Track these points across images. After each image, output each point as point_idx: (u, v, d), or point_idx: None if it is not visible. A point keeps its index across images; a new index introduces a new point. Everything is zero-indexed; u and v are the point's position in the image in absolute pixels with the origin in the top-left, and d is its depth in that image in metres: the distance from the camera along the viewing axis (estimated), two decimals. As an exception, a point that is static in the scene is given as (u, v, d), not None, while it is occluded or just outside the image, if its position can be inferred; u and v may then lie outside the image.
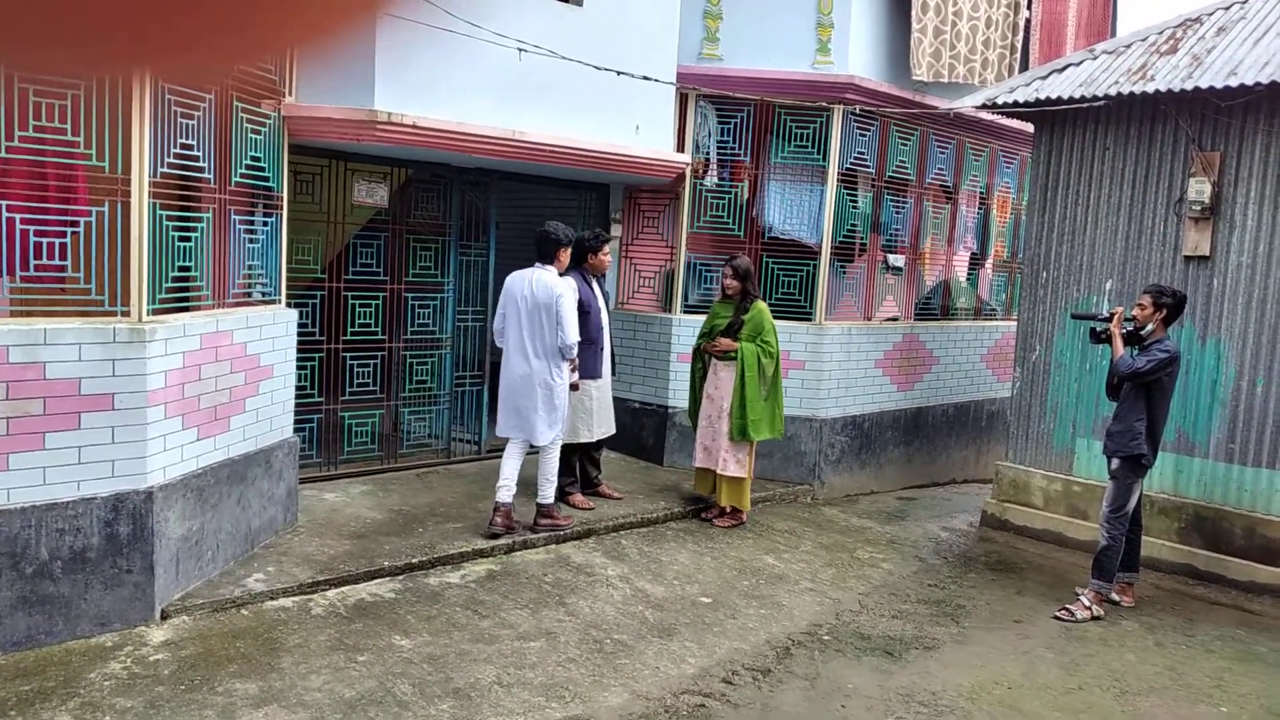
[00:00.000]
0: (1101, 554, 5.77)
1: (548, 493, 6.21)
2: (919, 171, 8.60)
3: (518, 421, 6.10)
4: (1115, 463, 5.75)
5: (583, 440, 6.75)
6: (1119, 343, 5.72)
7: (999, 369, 9.62)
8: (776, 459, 7.85)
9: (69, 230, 4.27)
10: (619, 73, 6.47)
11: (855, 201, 8.11)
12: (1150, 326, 5.67)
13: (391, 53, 5.67)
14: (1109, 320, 5.84)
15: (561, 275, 6.15)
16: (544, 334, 5.98)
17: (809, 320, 7.98)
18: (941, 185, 8.97)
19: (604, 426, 6.88)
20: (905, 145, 8.39)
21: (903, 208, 8.57)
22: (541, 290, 5.96)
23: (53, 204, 4.23)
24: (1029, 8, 8.74)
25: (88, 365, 4.30)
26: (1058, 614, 5.70)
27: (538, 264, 6.07)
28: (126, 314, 4.45)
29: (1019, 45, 8.61)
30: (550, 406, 6.04)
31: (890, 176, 8.34)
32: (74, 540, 4.35)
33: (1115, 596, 5.89)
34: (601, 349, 6.70)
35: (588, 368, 6.53)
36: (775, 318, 7.10)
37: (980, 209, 9.56)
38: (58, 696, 3.96)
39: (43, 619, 4.30)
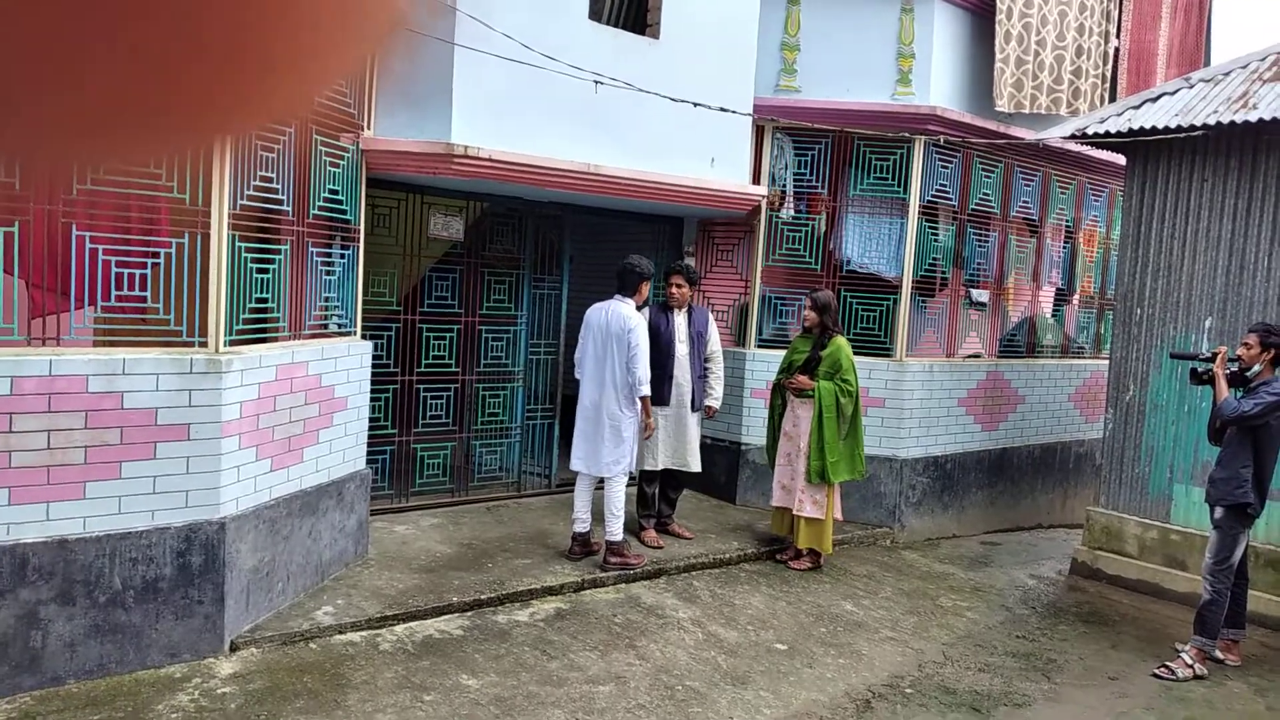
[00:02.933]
0: (1204, 608, 5.41)
1: (615, 529, 6.08)
2: (1003, 204, 8.34)
3: (585, 451, 6.03)
4: (1219, 511, 5.41)
5: (647, 467, 6.60)
6: (1223, 384, 5.39)
7: (1087, 409, 9.22)
8: (855, 500, 7.59)
9: (150, 261, 4.32)
10: (695, 104, 6.39)
11: (937, 234, 7.88)
12: (1257, 367, 5.33)
13: (468, 87, 5.68)
14: (1211, 360, 5.51)
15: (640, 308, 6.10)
16: (615, 366, 5.93)
17: (889, 356, 7.75)
18: (1026, 218, 8.68)
19: (674, 458, 6.70)
20: (989, 177, 8.15)
21: (986, 241, 8.30)
22: (616, 321, 5.93)
23: (135, 235, 4.29)
24: (1118, 37, 8.45)
25: (164, 395, 4.32)
26: (1157, 671, 5.34)
27: (617, 296, 6.03)
28: (204, 344, 4.48)
29: (1109, 75, 8.33)
30: (616, 439, 5.96)
31: (973, 209, 8.10)
32: (147, 570, 4.36)
33: (1219, 654, 5.51)
34: (669, 376, 6.57)
35: (654, 394, 6.40)
36: (854, 353, 6.89)
37: (1067, 243, 9.23)
38: (126, 728, 3.94)
39: (114, 648, 4.31)
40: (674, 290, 6.62)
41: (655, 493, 6.80)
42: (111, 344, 4.32)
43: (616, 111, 6.29)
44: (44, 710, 4.02)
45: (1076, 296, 9.55)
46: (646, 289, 6.13)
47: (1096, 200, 9.24)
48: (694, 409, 6.76)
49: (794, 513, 6.69)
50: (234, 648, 4.66)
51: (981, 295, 8.40)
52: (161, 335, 4.41)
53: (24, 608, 4.06)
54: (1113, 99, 8.26)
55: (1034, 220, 8.75)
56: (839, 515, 6.85)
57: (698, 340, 6.74)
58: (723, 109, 6.51)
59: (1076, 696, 5.04)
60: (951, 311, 8.17)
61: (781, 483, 6.82)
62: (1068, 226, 9.15)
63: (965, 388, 8.18)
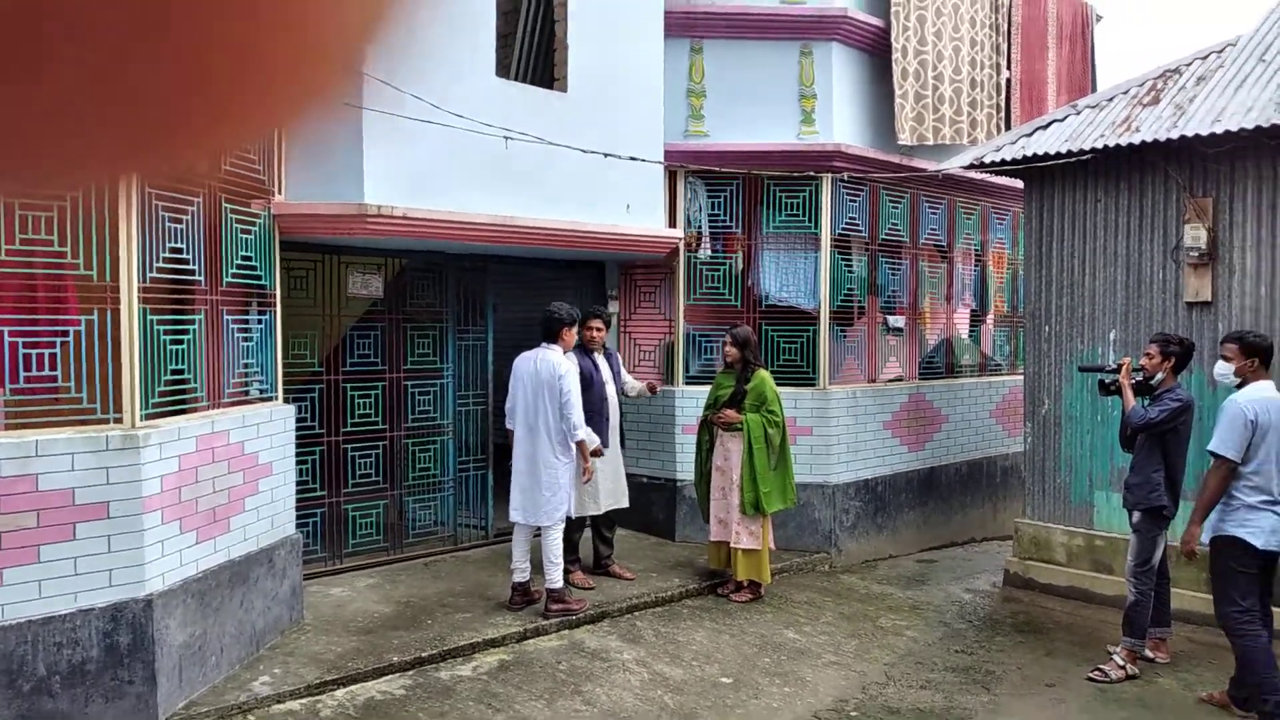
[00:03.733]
0: (1131, 609, 5.60)
1: (554, 576, 6.09)
2: (912, 233, 8.63)
3: (522, 502, 6.06)
4: (1136, 515, 5.62)
5: (590, 513, 6.65)
6: (1129, 394, 5.64)
7: (1009, 423, 9.51)
8: (791, 528, 7.70)
9: (59, 340, 4.26)
10: (605, 155, 6.53)
11: (850, 266, 8.12)
12: (1160, 375, 5.59)
13: (379, 147, 5.73)
14: (1117, 371, 5.77)
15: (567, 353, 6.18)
16: (547, 413, 5.98)
17: (813, 385, 7.92)
18: (936, 245, 9.00)
19: (612, 499, 6.78)
20: (896, 208, 8.44)
21: (898, 269, 8.57)
22: (545, 369, 6.00)
23: (42, 315, 4.24)
24: (1008, 68, 8.86)
25: (81, 474, 4.24)
26: (1091, 675, 5.50)
27: (544, 344, 6.09)
28: (119, 420, 4.41)
29: (1003, 105, 8.72)
30: (554, 487, 5.98)
31: (884, 239, 8.37)
32: (72, 654, 4.24)
33: (1149, 653, 5.70)
34: (606, 419, 6.65)
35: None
36: (779, 384, 7.03)
37: (976, 266, 9.57)
38: (55, 822, 3.81)
39: (40, 739, 4.17)
40: (595, 334, 6.72)
41: (580, 538, 6.83)
42: (23, 426, 4.24)
43: (529, 164, 6.40)
44: (-34, 811, 3.87)
45: (990, 316, 9.88)
46: (571, 335, 6.20)
47: (1001, 223, 9.61)
48: (622, 446, 6.88)
49: (731, 545, 6.77)
50: (167, 728, 4.55)
51: (898, 321, 8.65)
52: (75, 414, 4.34)
53: (-60, 705, 3.92)
54: (1008, 127, 8.63)
55: (943, 246, 9.07)
56: (772, 545, 6.95)
57: (617, 378, 6.91)
58: (632, 158, 6.67)
59: (1015, 707, 5.17)
60: (870, 338, 8.39)
61: (718, 517, 6.90)
62: (976, 250, 9.50)
63: (889, 411, 8.39)
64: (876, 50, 7.93)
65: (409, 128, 5.68)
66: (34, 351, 4.21)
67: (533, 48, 7.78)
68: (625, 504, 6.95)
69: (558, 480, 6.00)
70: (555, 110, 6.63)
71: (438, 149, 5.95)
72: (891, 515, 8.41)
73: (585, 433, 6.07)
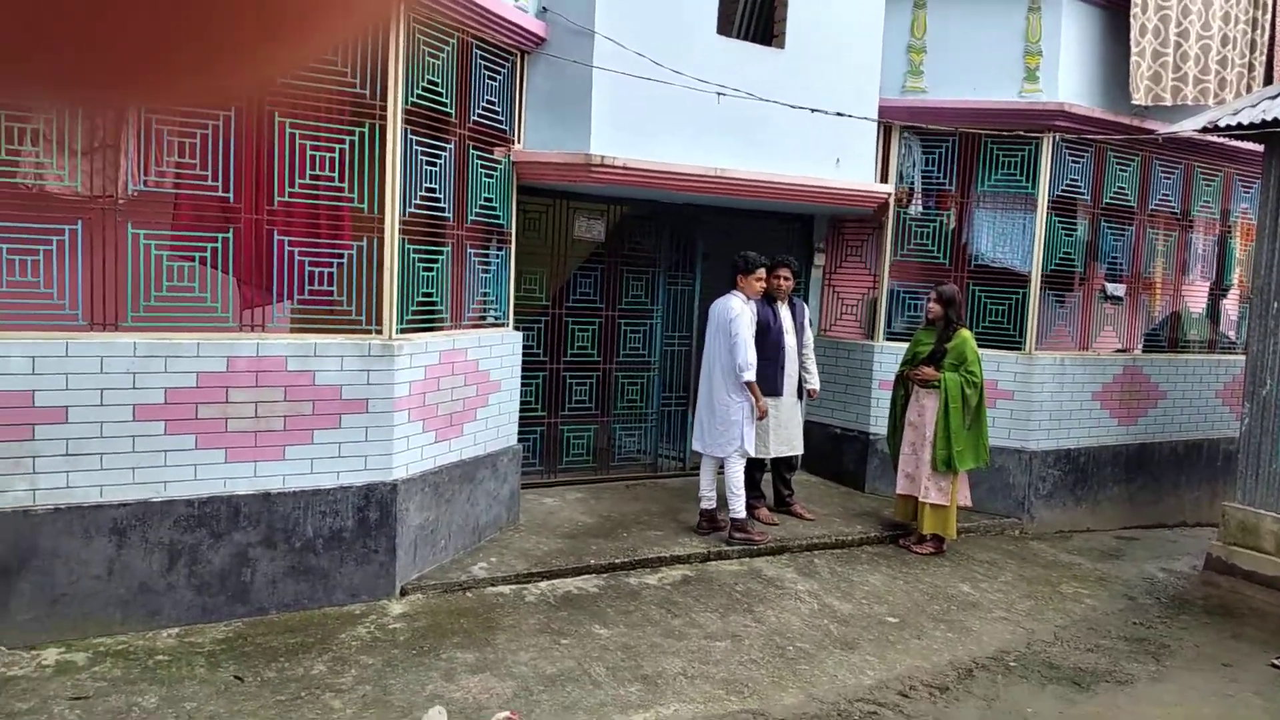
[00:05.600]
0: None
1: (737, 506, 6.56)
2: (1141, 198, 8.29)
3: (701, 433, 6.61)
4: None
5: (759, 455, 6.99)
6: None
7: (1238, 405, 8.98)
8: (983, 490, 7.75)
9: (335, 261, 5.13)
10: (811, 110, 6.78)
11: (1069, 229, 7.94)
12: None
13: (605, 103, 6.28)
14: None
15: (749, 300, 6.56)
16: (720, 354, 6.46)
17: (1019, 350, 7.87)
18: (1169, 211, 8.58)
19: (784, 445, 7.11)
20: (1125, 171, 8.13)
21: (1123, 235, 8.28)
22: (721, 314, 6.49)
23: (324, 239, 5.10)
24: (1272, 26, 8.24)
25: (348, 374, 5.12)
26: (1275, 661, 5.37)
27: (731, 290, 6.53)
28: (379, 332, 5.26)
29: (1260, 63, 8.14)
30: (724, 422, 6.46)
31: (1108, 203, 8.10)
32: (333, 522, 5.17)
33: (1349, 650, 5.47)
34: (781, 368, 6.97)
35: (765, 385, 6.82)
36: (982, 346, 7.09)
37: (1215, 237, 9.03)
38: (316, 650, 4.73)
39: (307, 586, 5.13)
40: (782, 282, 7.02)
41: (763, 477, 7.21)
42: (305, 331, 5.15)
43: (741, 118, 6.76)
44: (253, 633, 4.88)
45: (1233, 291, 9.31)
46: (749, 281, 6.53)
47: (1248, 192, 8.99)
48: (799, 397, 7.20)
49: (919, 499, 6.96)
50: (403, 592, 5.43)
51: (1118, 289, 8.37)
52: (345, 323, 5.22)
53: (237, 548, 4.93)
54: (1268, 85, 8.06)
55: (1177, 214, 8.63)
56: (968, 502, 7.07)
57: (801, 331, 7.17)
58: (839, 114, 6.87)
59: (1183, 678, 5.16)
60: (1085, 305, 8.19)
61: (906, 471, 7.10)
62: (1217, 220, 8.96)
63: (1100, 381, 8.19)
64: (1110, 4, 7.63)
65: (632, 83, 6.20)
66: (317, 269, 5.10)
67: (758, 4, 8.07)
68: (800, 451, 7.27)
69: (729, 416, 6.46)
70: (771, 65, 6.94)
71: (658, 103, 6.43)
72: (1093, 488, 8.25)
73: (751, 374, 6.42)
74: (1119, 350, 8.45)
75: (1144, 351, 8.58)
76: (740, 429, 6.49)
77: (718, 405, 6.49)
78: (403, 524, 5.37)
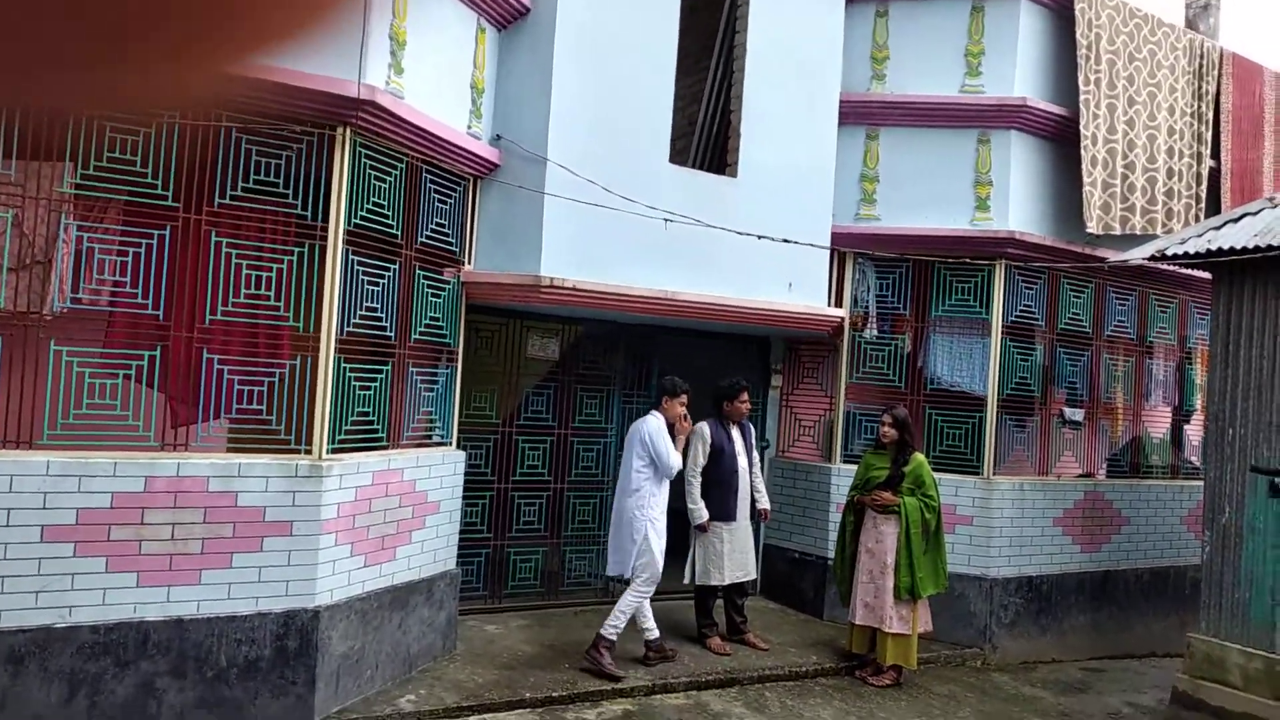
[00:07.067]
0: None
1: (613, 625, 6.26)
2: (1096, 324, 8.35)
3: (613, 555, 6.48)
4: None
5: (713, 583, 6.84)
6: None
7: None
8: (945, 618, 7.53)
9: (266, 380, 5.05)
10: (759, 237, 6.86)
11: (1025, 354, 7.96)
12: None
13: (557, 227, 6.34)
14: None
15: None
16: (629, 470, 6.36)
17: (977, 474, 7.78)
18: (1126, 337, 8.64)
19: (739, 570, 6.95)
20: (1079, 298, 8.21)
21: (1080, 360, 8.30)
22: (635, 430, 6.46)
23: (256, 357, 5.04)
24: (1214, 158, 8.47)
25: (272, 495, 4.99)
26: (1238, 810, 5.11)
27: (651, 411, 6.59)
28: (309, 452, 5.15)
29: (1203, 195, 8.33)
30: (629, 539, 6.29)
31: (1063, 329, 8.15)
32: (249, 650, 4.94)
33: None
34: (734, 491, 6.88)
35: (720, 510, 6.75)
36: (939, 470, 7.01)
37: (1174, 362, 9.07)
38: (218, 791, 4.46)
39: (217, 719, 4.88)
40: (743, 406, 7.00)
41: (714, 604, 7.03)
42: (232, 450, 5.04)
43: (693, 242, 6.82)
44: (154, 771, 4.60)
45: (1194, 416, 9.29)
46: (677, 405, 6.46)
47: (1202, 318, 9.08)
48: (751, 518, 7.10)
49: (883, 630, 6.72)
50: (321, 727, 5.16)
51: (1076, 414, 8.34)
52: (274, 443, 5.11)
53: (144, 678, 4.70)
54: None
55: (1134, 339, 8.69)
56: (929, 627, 6.85)
57: (750, 451, 7.13)
58: (785, 240, 6.95)
59: (1142, 829, 4.90)
60: (1044, 430, 8.15)
61: (864, 600, 6.87)
62: (1173, 345, 9.02)
63: (1061, 507, 8.08)
64: (1057, 137, 7.84)
65: (583, 208, 6.27)
66: (247, 388, 5.02)
67: (713, 135, 8.27)
68: (754, 575, 7.13)
69: (631, 535, 6.26)
70: (723, 194, 7.05)
71: (609, 227, 6.50)
72: (1057, 617, 8.04)
73: (677, 462, 6.33)
74: (1081, 475, 8.36)
75: (1106, 477, 8.49)
76: (640, 549, 6.25)
77: (624, 522, 6.34)
78: (324, 653, 5.15)
